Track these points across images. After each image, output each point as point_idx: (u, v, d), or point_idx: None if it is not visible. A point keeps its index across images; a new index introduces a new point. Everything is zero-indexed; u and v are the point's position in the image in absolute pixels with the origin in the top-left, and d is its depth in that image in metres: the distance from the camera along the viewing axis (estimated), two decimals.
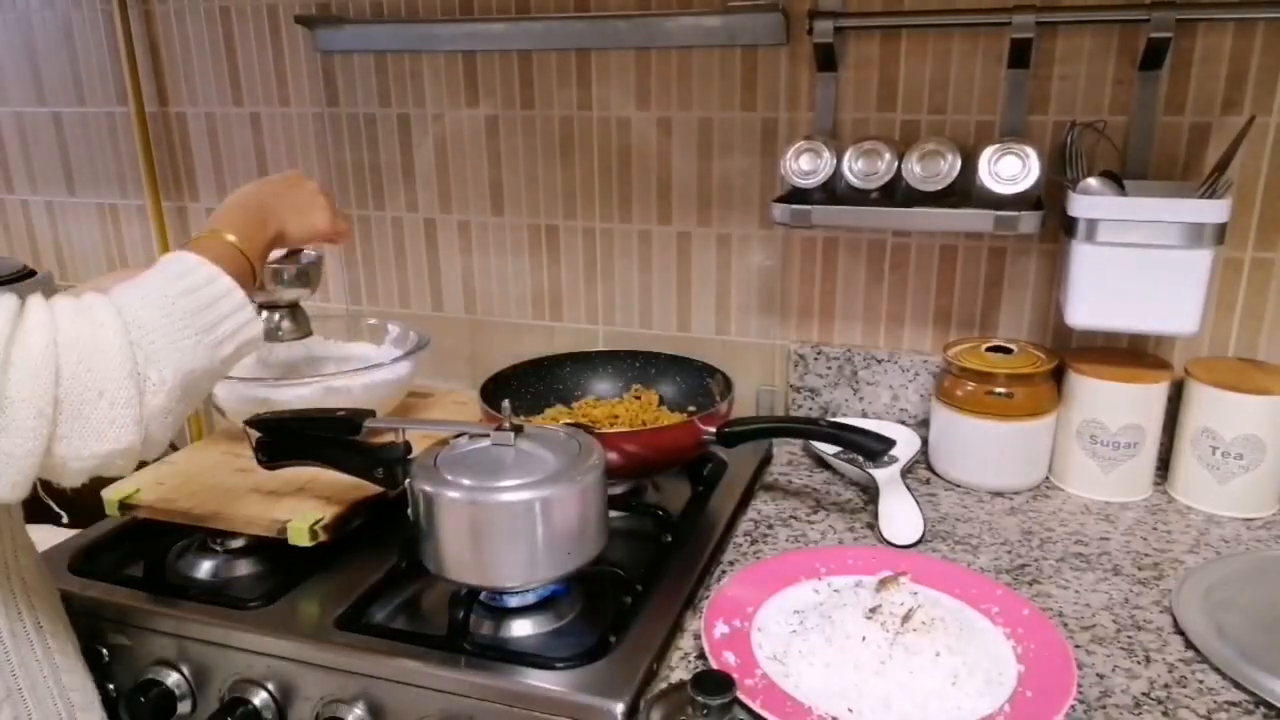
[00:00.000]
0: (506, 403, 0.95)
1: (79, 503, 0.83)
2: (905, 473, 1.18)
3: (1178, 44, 1.09)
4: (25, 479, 0.65)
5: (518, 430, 0.91)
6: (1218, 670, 0.81)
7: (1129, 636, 0.87)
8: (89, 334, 0.66)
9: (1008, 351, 1.17)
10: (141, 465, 0.72)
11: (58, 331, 0.65)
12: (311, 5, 1.45)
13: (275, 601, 0.95)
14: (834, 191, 1.17)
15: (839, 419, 1.31)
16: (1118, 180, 1.09)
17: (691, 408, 1.25)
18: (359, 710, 0.87)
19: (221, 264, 0.76)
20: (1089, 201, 1.05)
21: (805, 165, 1.15)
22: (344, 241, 1.02)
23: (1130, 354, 1.18)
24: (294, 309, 1.12)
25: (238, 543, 1.04)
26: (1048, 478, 1.18)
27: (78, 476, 0.68)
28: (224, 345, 0.74)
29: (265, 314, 1.11)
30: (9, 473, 0.64)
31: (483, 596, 0.91)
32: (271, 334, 1.09)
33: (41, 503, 1.16)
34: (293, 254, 1.06)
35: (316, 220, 0.94)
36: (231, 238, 0.81)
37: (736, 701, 0.70)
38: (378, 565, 1.00)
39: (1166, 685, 0.80)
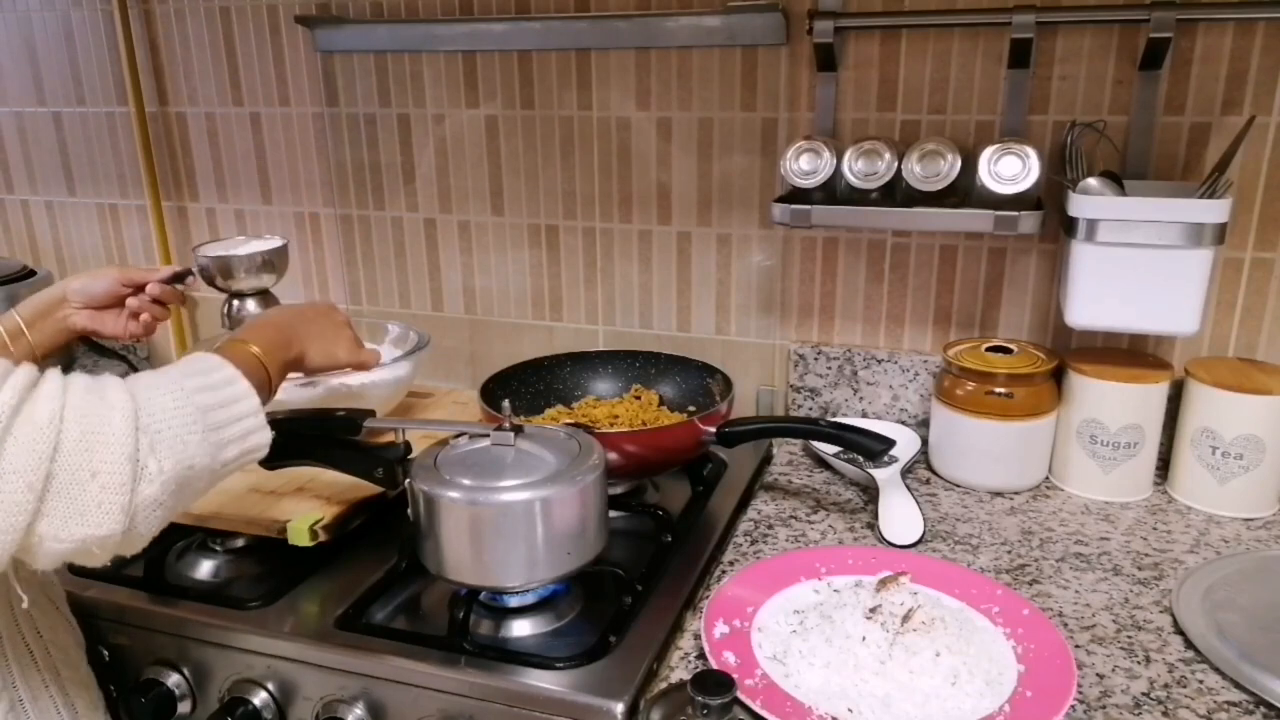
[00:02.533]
0: (506, 403, 0.95)
1: None
2: (905, 473, 1.18)
3: (1178, 44, 1.09)
4: (3, 554, 0.62)
5: (518, 430, 0.91)
6: (1218, 670, 0.81)
7: (1129, 636, 0.87)
8: (97, 413, 0.64)
9: (1008, 351, 1.18)
10: (116, 558, 0.70)
11: (66, 405, 0.63)
12: (311, 5, 1.45)
13: (275, 601, 0.95)
14: (834, 191, 1.17)
15: (839, 419, 1.31)
16: (1118, 180, 1.09)
17: (691, 408, 1.25)
18: (359, 710, 0.87)
19: (242, 370, 0.76)
20: (1089, 201, 1.05)
21: (805, 165, 1.15)
22: (368, 369, 1.03)
23: (1130, 354, 1.18)
24: (264, 295, 1.18)
25: (238, 543, 1.04)
26: (1048, 478, 1.19)
27: (50, 559, 0.65)
28: (229, 448, 0.73)
29: (235, 301, 1.18)
30: None
31: (483, 596, 0.91)
32: (240, 322, 1.14)
33: None
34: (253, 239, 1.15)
35: (339, 352, 0.95)
36: (255, 349, 0.81)
37: (736, 701, 0.70)
38: (378, 565, 1.00)
39: (1166, 685, 0.80)
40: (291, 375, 0.91)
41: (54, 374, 0.66)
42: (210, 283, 1.16)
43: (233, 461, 0.74)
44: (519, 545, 0.84)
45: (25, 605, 0.80)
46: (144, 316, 1.04)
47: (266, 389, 0.80)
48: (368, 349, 1.00)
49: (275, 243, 1.18)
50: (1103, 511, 1.11)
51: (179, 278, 1.07)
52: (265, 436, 0.76)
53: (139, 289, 1.04)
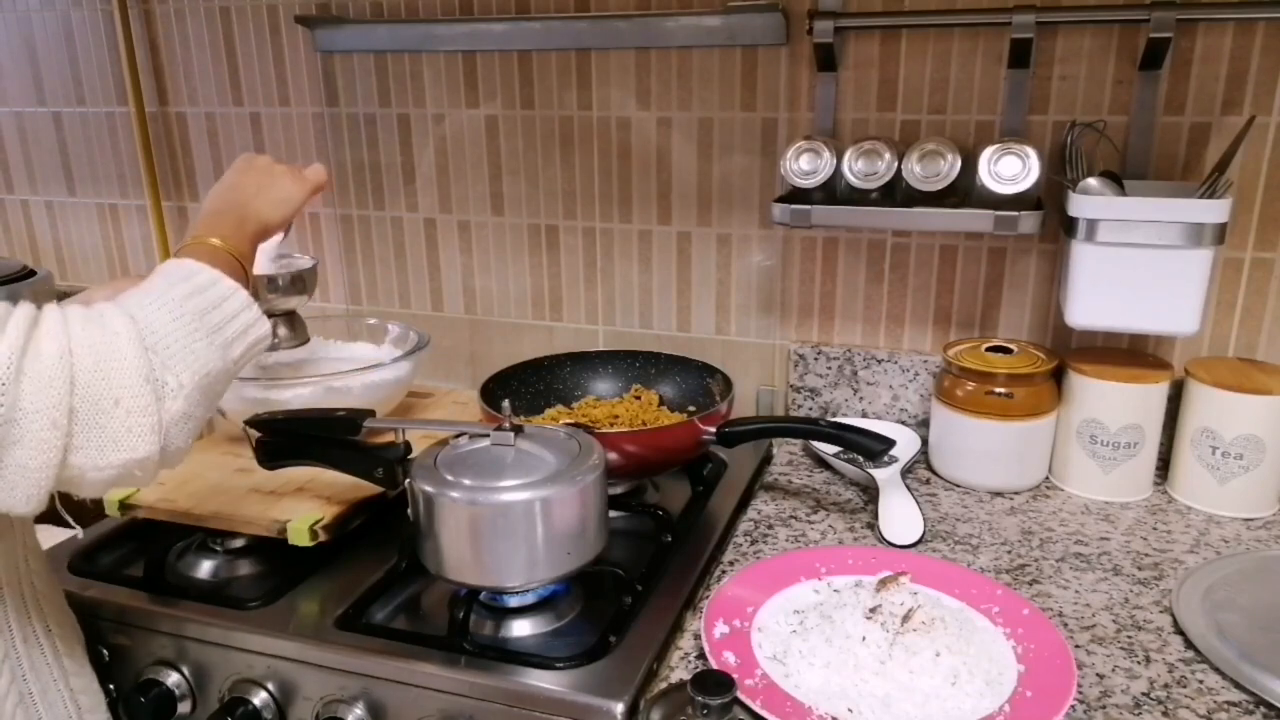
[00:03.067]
0: (506, 403, 0.95)
1: (79, 502, 0.83)
2: (905, 473, 1.18)
3: (1178, 44, 1.09)
4: (42, 492, 0.64)
5: (518, 430, 0.91)
6: (1218, 670, 0.81)
7: (1129, 636, 0.87)
8: (103, 341, 0.65)
9: (1008, 351, 1.18)
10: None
11: (71, 339, 0.64)
12: (311, 5, 1.45)
13: (275, 601, 0.95)
14: (834, 191, 1.17)
15: (839, 419, 1.31)
16: (1118, 180, 1.09)
17: (691, 408, 1.25)
18: (359, 710, 0.86)
19: (216, 267, 0.75)
20: (1089, 201, 1.05)
21: (805, 165, 1.15)
22: (325, 190, 0.98)
23: (1130, 354, 1.18)
24: (290, 316, 1.12)
25: (238, 543, 1.04)
26: (1048, 478, 1.19)
27: (97, 487, 0.67)
28: (235, 345, 0.74)
29: None
30: (24, 485, 0.63)
31: (483, 596, 0.91)
32: (272, 349, 1.09)
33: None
34: (283, 258, 1.06)
35: (286, 193, 0.90)
36: (218, 242, 0.80)
37: (736, 701, 0.70)
38: (378, 565, 1.00)
39: (1166, 685, 0.80)
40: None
41: (52, 309, 0.66)
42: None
43: (242, 357, 0.75)
44: (519, 545, 0.84)
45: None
46: None
47: (244, 277, 0.80)
48: (309, 169, 0.95)
49: (306, 262, 1.12)
50: (1103, 511, 1.11)
51: None
52: (265, 326, 0.78)
53: None
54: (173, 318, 0.69)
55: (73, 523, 1.03)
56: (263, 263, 1.06)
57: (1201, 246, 1.01)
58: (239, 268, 0.80)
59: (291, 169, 0.93)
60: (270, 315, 1.08)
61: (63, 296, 1.00)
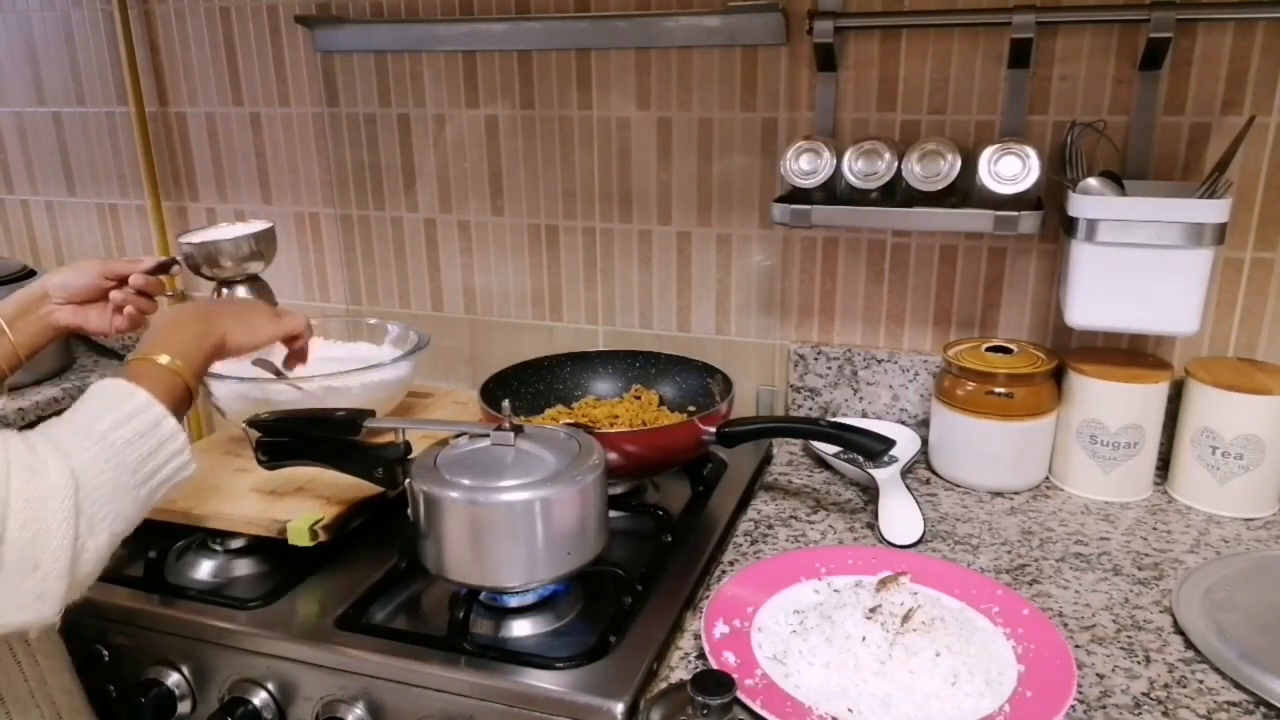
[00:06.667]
0: (506, 403, 0.95)
1: None
2: (905, 473, 1.18)
3: (1178, 44, 1.09)
4: None
5: (518, 430, 0.91)
6: (1218, 670, 0.81)
7: (1129, 636, 0.87)
8: (39, 499, 0.64)
9: (1008, 351, 1.18)
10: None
11: (10, 490, 0.63)
12: (311, 5, 1.45)
13: (275, 601, 0.95)
14: (834, 191, 1.17)
15: (839, 419, 1.31)
16: (1118, 180, 1.09)
17: (691, 408, 1.25)
18: (359, 710, 0.86)
19: (161, 391, 0.74)
20: (1089, 201, 1.05)
21: (805, 165, 1.15)
22: (304, 341, 0.98)
23: (1130, 354, 1.18)
24: (253, 280, 1.13)
25: (238, 543, 1.04)
26: (1048, 478, 1.18)
27: None
28: (158, 491, 0.74)
29: (224, 290, 1.13)
30: None
31: (483, 596, 0.91)
32: None
33: None
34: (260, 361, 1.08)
35: (258, 325, 0.90)
36: (165, 360, 0.78)
37: (736, 701, 0.70)
38: (378, 565, 1.00)
39: (1166, 685, 0.80)
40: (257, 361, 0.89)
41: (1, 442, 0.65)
42: (196, 271, 1.12)
43: (159, 499, 0.75)
44: (519, 545, 0.84)
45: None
46: (128, 309, 1.01)
47: (187, 399, 0.79)
48: (289, 316, 0.95)
49: (261, 225, 1.13)
50: (1103, 511, 1.11)
51: (163, 268, 1.03)
52: (192, 468, 0.77)
53: (122, 281, 1.00)
54: (109, 466, 0.69)
55: None
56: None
57: (1201, 246, 1.01)
58: (184, 390, 0.78)
59: (272, 311, 0.94)
60: (232, 283, 1.10)
61: None
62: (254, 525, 0.98)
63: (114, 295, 1.00)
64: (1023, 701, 0.76)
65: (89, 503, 0.67)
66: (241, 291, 1.12)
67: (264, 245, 1.13)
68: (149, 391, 0.74)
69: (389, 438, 0.95)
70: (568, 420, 1.19)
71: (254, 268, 1.13)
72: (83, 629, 0.92)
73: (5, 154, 1.75)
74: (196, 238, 1.12)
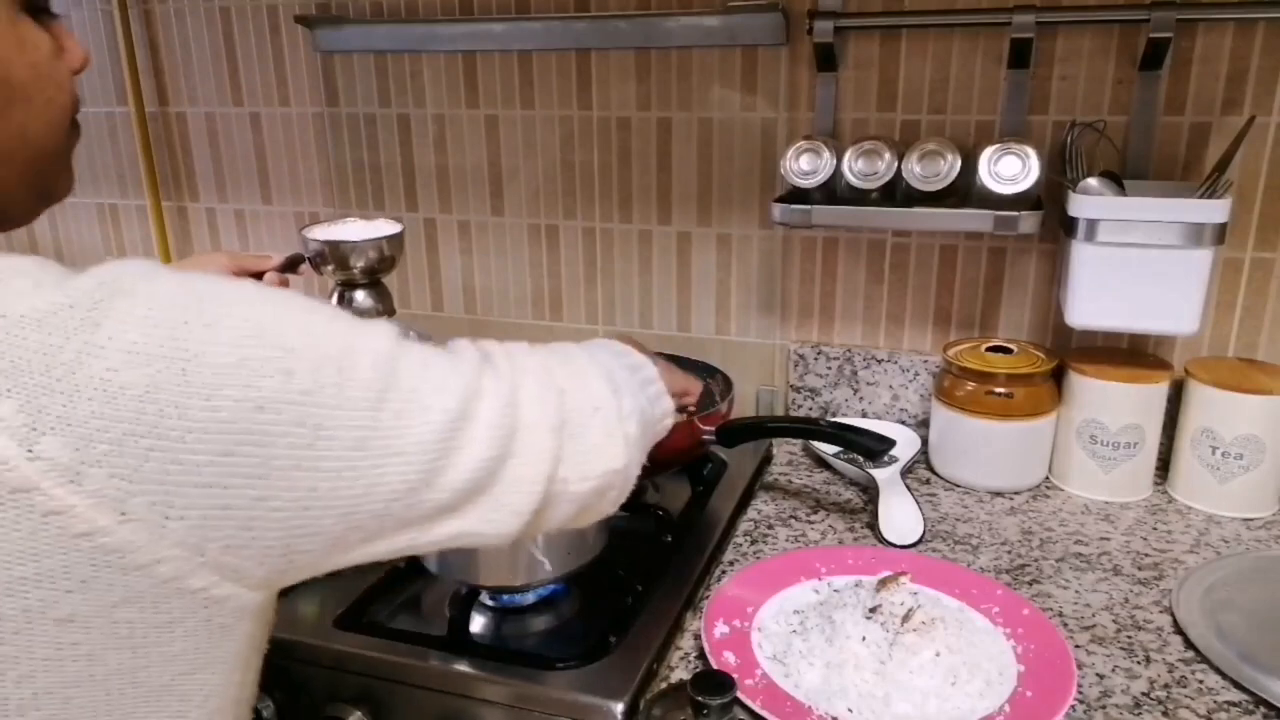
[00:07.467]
0: None
1: None
2: (905, 473, 1.18)
3: (1178, 44, 1.09)
4: (531, 509, 0.60)
5: None
6: (1218, 670, 0.81)
7: (1129, 636, 0.87)
8: (566, 360, 0.66)
9: (1008, 351, 1.18)
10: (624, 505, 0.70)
11: (548, 352, 0.65)
12: (311, 5, 1.45)
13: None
14: (834, 191, 1.17)
15: (839, 419, 1.31)
16: (1118, 180, 1.09)
17: (691, 408, 1.24)
18: (359, 710, 0.86)
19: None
20: (1089, 201, 1.05)
21: (805, 165, 1.15)
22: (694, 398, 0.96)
23: (1130, 354, 1.18)
24: (376, 286, 1.08)
25: None
26: (1048, 478, 1.18)
27: (573, 503, 0.63)
28: (657, 404, 0.74)
29: (347, 291, 1.09)
30: (516, 502, 0.59)
31: (483, 596, 0.91)
32: (354, 310, 1.07)
33: None
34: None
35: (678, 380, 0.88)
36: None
37: (736, 701, 0.70)
38: (378, 565, 0.99)
39: (1166, 685, 0.80)
40: None
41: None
42: (317, 269, 1.06)
43: (657, 420, 0.75)
44: (519, 545, 0.84)
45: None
46: None
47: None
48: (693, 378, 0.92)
49: (392, 228, 1.06)
50: (1103, 511, 1.11)
51: (292, 265, 1.00)
52: (669, 421, 0.78)
53: (255, 278, 0.97)
54: (616, 364, 0.71)
55: None
56: None
57: (1201, 246, 1.01)
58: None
59: (683, 374, 0.91)
60: (353, 285, 1.05)
61: None
62: None
63: None
64: (1023, 701, 0.76)
65: (610, 375, 0.69)
66: (361, 296, 1.07)
67: (394, 249, 1.07)
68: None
69: None
70: None
71: (381, 272, 1.08)
72: None
73: None
74: (321, 234, 1.06)
